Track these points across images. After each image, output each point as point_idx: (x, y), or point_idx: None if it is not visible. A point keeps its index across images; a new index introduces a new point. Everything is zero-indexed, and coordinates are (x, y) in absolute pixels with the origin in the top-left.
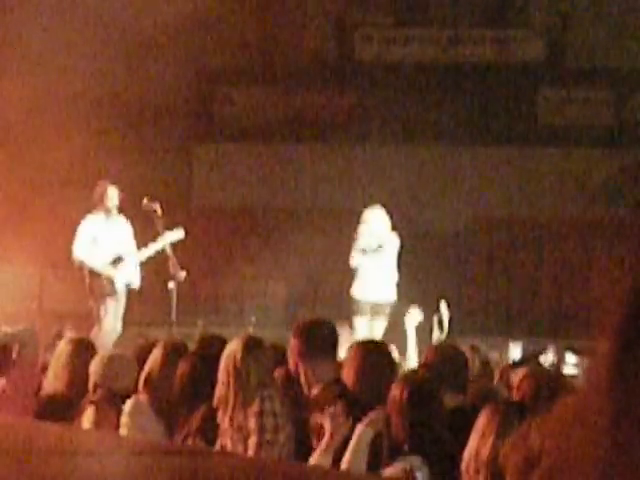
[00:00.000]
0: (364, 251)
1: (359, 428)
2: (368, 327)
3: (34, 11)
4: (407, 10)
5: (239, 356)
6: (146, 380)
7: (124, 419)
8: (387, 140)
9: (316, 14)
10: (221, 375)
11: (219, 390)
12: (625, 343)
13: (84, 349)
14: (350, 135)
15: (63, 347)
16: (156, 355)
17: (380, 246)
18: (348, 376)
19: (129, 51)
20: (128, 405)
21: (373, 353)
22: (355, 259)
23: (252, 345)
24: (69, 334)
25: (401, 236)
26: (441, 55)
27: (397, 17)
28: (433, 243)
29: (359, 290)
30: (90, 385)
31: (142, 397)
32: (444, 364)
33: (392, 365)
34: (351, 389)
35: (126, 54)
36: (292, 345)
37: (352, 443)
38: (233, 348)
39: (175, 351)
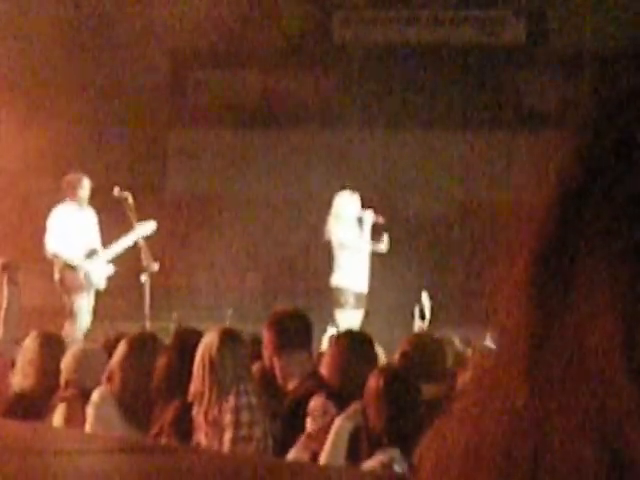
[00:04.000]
0: (341, 240)
1: (338, 421)
2: (351, 318)
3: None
4: None
5: (215, 349)
6: (110, 373)
7: (89, 411)
8: (367, 124)
9: None
10: (196, 368)
11: (194, 384)
12: (543, 259)
13: (52, 344)
14: (329, 119)
15: (30, 343)
16: (121, 349)
17: (356, 231)
18: (329, 368)
19: (100, 37)
20: (94, 396)
21: (357, 345)
22: (338, 245)
23: (229, 338)
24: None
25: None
26: (421, 37)
27: None
28: (414, 229)
29: (341, 280)
30: (61, 382)
31: (107, 389)
32: (421, 354)
33: (374, 357)
34: (330, 382)
35: (97, 40)
36: (266, 338)
37: (331, 436)
38: (209, 341)
39: (141, 344)
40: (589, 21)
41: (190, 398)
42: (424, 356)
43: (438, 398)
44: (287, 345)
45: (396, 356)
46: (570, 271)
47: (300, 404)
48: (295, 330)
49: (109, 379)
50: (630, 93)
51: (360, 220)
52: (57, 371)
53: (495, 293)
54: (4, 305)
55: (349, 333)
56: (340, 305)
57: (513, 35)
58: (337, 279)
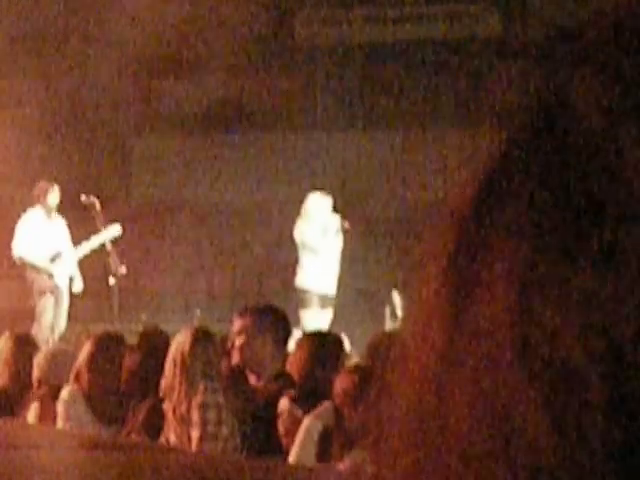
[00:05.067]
0: (308, 241)
1: (307, 421)
2: (317, 318)
3: None
4: None
5: (187, 347)
6: (77, 373)
7: (59, 408)
8: (332, 125)
9: None
10: (168, 365)
11: (166, 379)
12: (459, 234)
13: (25, 345)
14: (294, 122)
15: (3, 343)
16: (86, 348)
17: (324, 234)
18: (297, 368)
19: (63, 45)
20: (63, 394)
21: (323, 345)
22: (304, 246)
23: (200, 336)
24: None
25: (350, 224)
26: (388, 34)
27: None
28: (383, 229)
29: (305, 281)
30: (34, 381)
31: (75, 387)
32: (387, 351)
33: (342, 357)
34: (298, 381)
35: (60, 48)
36: (240, 324)
37: (300, 436)
38: (182, 339)
39: (106, 343)
40: (567, 9)
41: (161, 393)
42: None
43: None
44: (263, 332)
45: (363, 355)
46: (481, 247)
47: (270, 404)
48: (272, 320)
49: (76, 378)
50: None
51: (328, 223)
52: (30, 370)
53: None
54: None
55: (312, 334)
56: (305, 306)
57: (488, 28)
58: (301, 280)
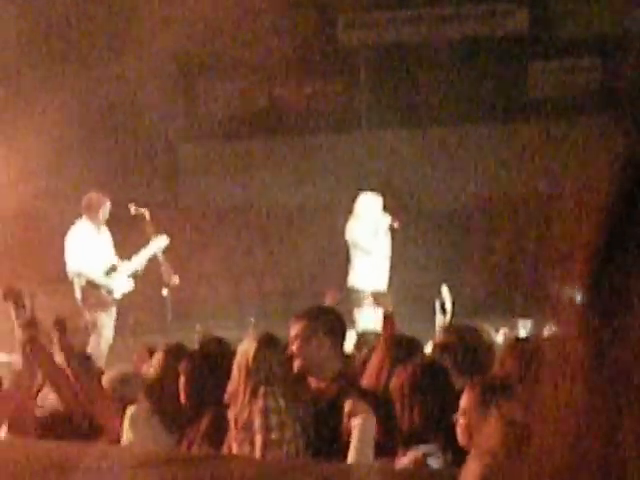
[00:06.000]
0: (360, 241)
1: (362, 419)
2: (370, 317)
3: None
4: None
5: (252, 354)
6: (148, 387)
7: (126, 428)
8: (378, 125)
9: (297, 1)
10: (233, 372)
11: (230, 388)
12: (600, 260)
13: (85, 363)
14: (340, 123)
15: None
16: (156, 361)
17: (375, 234)
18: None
19: (102, 51)
20: (129, 414)
21: (402, 348)
22: (356, 246)
23: (266, 343)
24: None
25: (398, 222)
26: (425, 35)
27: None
28: (432, 225)
29: (358, 280)
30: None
31: (144, 405)
32: (459, 346)
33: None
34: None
35: (99, 54)
36: (297, 328)
37: (357, 435)
38: (247, 346)
39: (175, 355)
40: (593, 6)
41: (226, 400)
42: (462, 348)
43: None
44: (319, 334)
45: (433, 348)
46: (627, 272)
47: (332, 406)
48: (326, 321)
49: (147, 392)
50: None
51: (379, 223)
52: (90, 389)
53: (552, 289)
54: (16, 333)
55: (395, 338)
56: (358, 305)
57: (516, 26)
58: (353, 280)
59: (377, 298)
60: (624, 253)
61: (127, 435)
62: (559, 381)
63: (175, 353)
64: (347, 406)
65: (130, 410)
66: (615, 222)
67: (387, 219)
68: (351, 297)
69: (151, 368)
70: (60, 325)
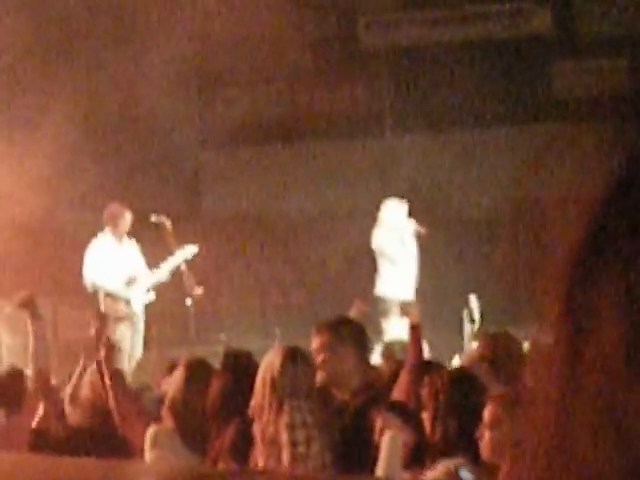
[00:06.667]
0: (386, 249)
1: (390, 433)
2: (398, 327)
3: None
4: None
5: (277, 366)
6: (170, 403)
7: (147, 448)
8: (402, 129)
9: (316, 4)
10: (257, 385)
11: (255, 401)
12: (577, 276)
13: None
14: (363, 127)
15: (91, 377)
16: (177, 376)
17: (401, 242)
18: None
19: (127, 62)
20: (150, 434)
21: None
22: (382, 255)
23: (291, 355)
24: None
25: (425, 229)
26: (447, 35)
27: (399, 0)
28: (459, 232)
29: (385, 289)
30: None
31: (165, 424)
32: (498, 355)
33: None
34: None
35: (124, 65)
36: (319, 341)
37: (385, 447)
38: (271, 358)
39: (196, 370)
40: (617, 4)
41: (250, 413)
42: (500, 356)
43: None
44: (343, 346)
45: (469, 357)
46: (599, 287)
47: (358, 418)
48: (349, 332)
49: (170, 407)
50: None
51: (404, 230)
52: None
53: (542, 295)
54: (31, 342)
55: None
56: (385, 315)
57: (540, 26)
58: (380, 289)
59: (404, 307)
60: (601, 266)
61: (149, 455)
62: (538, 382)
63: (196, 368)
64: (379, 420)
65: (151, 429)
66: (597, 234)
67: (412, 225)
68: (378, 307)
69: (172, 384)
70: (107, 343)
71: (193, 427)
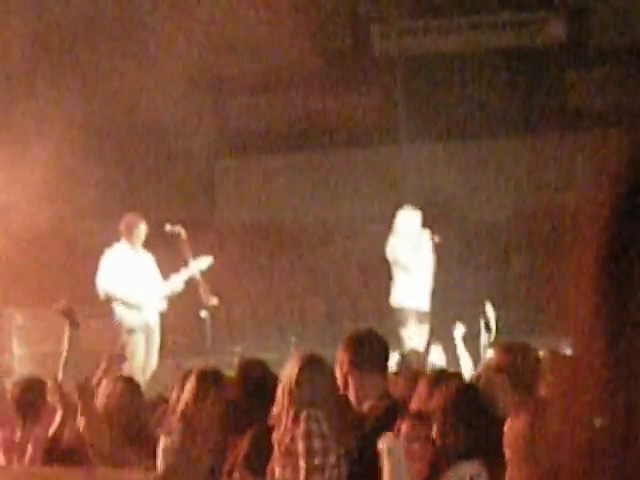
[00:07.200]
0: (400, 258)
1: (391, 441)
2: (415, 336)
3: None
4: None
5: (295, 375)
6: (182, 413)
7: (159, 459)
8: (415, 137)
9: (329, 12)
10: (278, 393)
11: (275, 409)
12: (609, 262)
13: (135, 389)
14: (377, 135)
15: (112, 387)
16: (189, 386)
17: (416, 250)
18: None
19: (142, 71)
20: (162, 446)
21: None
22: (397, 263)
23: (310, 364)
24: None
25: (440, 237)
26: (461, 44)
27: (413, 8)
28: (473, 240)
29: (401, 298)
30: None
31: (176, 436)
32: (516, 365)
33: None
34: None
35: (138, 73)
36: (341, 358)
37: (390, 456)
38: (291, 367)
39: (208, 380)
40: (631, 14)
41: (270, 422)
42: (523, 368)
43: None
44: (364, 365)
45: (487, 367)
46: (635, 271)
47: (376, 429)
48: (372, 351)
49: (182, 418)
50: None
51: (419, 238)
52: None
53: (565, 299)
54: (65, 349)
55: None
56: (402, 324)
57: (553, 35)
58: (396, 298)
59: (419, 316)
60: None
61: (160, 465)
62: (574, 393)
63: (208, 378)
64: (403, 428)
65: (163, 441)
66: (620, 224)
67: (427, 234)
68: (395, 316)
69: (185, 393)
70: (84, 390)
71: (204, 438)
